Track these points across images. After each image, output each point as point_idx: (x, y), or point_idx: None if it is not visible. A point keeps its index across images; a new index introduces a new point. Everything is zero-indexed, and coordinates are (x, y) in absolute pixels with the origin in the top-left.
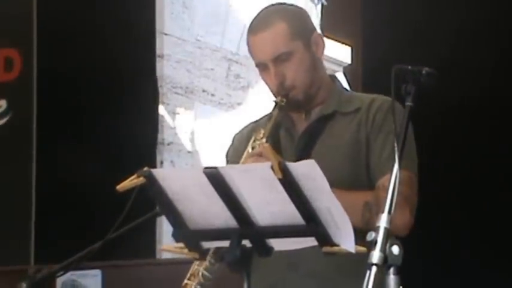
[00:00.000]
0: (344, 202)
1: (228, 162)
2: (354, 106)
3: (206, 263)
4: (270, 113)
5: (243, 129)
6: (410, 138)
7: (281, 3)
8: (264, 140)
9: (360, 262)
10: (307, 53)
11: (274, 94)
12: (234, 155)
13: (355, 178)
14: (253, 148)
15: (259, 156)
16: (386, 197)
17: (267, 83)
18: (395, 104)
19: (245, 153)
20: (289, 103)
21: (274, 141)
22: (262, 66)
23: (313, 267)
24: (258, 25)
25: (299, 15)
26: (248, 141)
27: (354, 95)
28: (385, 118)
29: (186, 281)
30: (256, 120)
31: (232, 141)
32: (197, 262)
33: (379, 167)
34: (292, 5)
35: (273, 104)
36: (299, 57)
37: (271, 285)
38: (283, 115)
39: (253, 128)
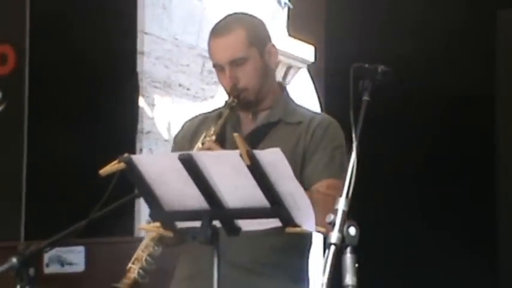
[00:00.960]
0: None
1: (175, 145)
2: (297, 119)
3: (150, 249)
4: (221, 108)
5: (194, 117)
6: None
7: (243, 13)
8: (213, 137)
9: (277, 254)
10: (261, 61)
11: (227, 93)
12: (181, 140)
13: None
14: (203, 144)
15: (208, 150)
16: (322, 197)
17: (221, 83)
18: (333, 123)
19: (195, 148)
20: (239, 103)
21: (221, 135)
22: (219, 68)
23: (233, 258)
24: (219, 30)
25: (258, 25)
26: (196, 130)
27: (297, 109)
28: (324, 134)
29: (130, 264)
30: (208, 112)
31: (182, 127)
32: (142, 247)
33: (315, 174)
34: (252, 15)
35: (225, 102)
36: (253, 63)
37: (198, 271)
38: (232, 113)
39: (204, 118)
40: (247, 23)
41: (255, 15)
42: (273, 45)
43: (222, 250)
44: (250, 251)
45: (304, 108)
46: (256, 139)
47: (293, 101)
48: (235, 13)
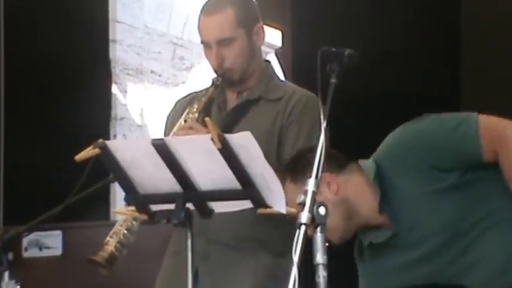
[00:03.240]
0: None
1: (167, 122)
2: (277, 95)
3: (128, 223)
4: (209, 87)
5: (185, 96)
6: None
7: None
8: (196, 114)
9: (257, 228)
10: (248, 41)
11: (213, 70)
12: (174, 117)
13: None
14: (185, 121)
15: (190, 129)
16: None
17: (208, 59)
18: (312, 99)
19: (177, 125)
20: (224, 81)
21: (206, 114)
22: (206, 45)
23: (214, 235)
24: (209, 7)
25: (248, 5)
26: (187, 107)
27: (280, 84)
28: (302, 112)
29: (108, 238)
30: (197, 91)
31: (174, 105)
32: (120, 222)
33: (294, 151)
34: None
35: (211, 81)
36: (240, 43)
37: (184, 249)
38: (219, 92)
39: (193, 97)
40: (238, 2)
41: None
42: (261, 26)
43: (203, 228)
44: (230, 228)
45: (288, 83)
46: (235, 117)
47: (278, 77)
48: None
